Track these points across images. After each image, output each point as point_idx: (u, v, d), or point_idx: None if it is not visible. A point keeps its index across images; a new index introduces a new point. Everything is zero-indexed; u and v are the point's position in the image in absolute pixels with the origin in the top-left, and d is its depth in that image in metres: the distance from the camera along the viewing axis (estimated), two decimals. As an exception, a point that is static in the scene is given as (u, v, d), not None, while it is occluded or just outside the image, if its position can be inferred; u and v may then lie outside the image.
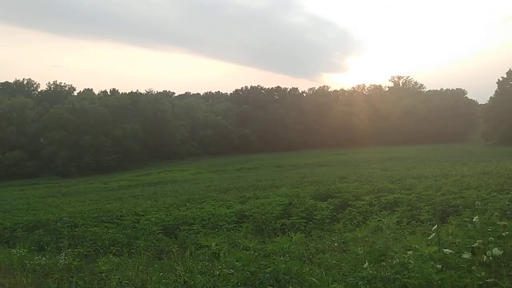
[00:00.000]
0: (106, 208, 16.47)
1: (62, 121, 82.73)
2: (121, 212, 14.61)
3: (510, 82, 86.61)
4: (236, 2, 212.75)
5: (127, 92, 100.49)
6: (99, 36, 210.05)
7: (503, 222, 3.62)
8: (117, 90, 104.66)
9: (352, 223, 10.14)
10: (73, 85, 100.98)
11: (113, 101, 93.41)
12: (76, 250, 8.30)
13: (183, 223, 11.10)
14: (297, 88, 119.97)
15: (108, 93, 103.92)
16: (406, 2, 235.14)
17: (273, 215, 11.13)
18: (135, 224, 11.63)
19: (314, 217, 11.08)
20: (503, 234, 3.61)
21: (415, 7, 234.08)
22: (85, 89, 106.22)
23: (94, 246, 9.37)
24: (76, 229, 11.38)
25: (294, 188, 19.47)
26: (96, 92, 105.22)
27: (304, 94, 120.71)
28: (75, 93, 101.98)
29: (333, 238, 7.82)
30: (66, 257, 7.02)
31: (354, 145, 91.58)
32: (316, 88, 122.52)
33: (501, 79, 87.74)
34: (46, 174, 74.48)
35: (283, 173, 42.35)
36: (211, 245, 5.25)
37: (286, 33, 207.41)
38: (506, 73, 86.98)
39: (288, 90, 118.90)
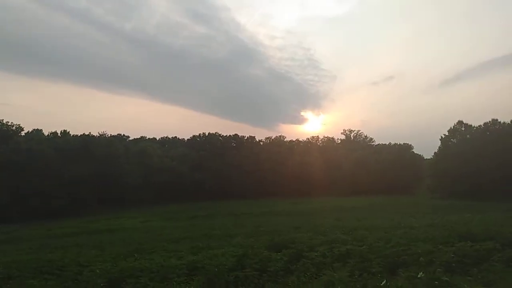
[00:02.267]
0: (47, 257, 15.30)
1: (5, 162, 77.71)
2: (63, 262, 13.63)
3: (452, 140, 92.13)
4: (200, 52, 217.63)
5: (79, 135, 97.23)
6: (56, 78, 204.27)
7: (446, 278, 3.79)
8: (68, 132, 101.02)
9: (305, 275, 10.10)
10: (21, 125, 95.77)
11: (63, 143, 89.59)
12: (8, 306, 7.60)
13: (130, 275, 10.52)
14: (254, 137, 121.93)
15: (59, 134, 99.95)
16: (355, 63, 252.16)
17: (226, 266, 10.85)
18: (78, 276, 10.89)
19: (268, 269, 10.93)
20: (447, 289, 3.77)
21: (364, 67, 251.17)
22: (34, 129, 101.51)
23: (29, 301, 8.61)
24: (10, 282, 10.43)
25: (249, 237, 19.23)
26: (46, 133, 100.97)
27: (261, 143, 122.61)
28: (23, 133, 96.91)
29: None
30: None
31: (308, 194, 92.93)
32: (273, 138, 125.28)
33: (443, 136, 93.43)
34: (-17, 218, 68.31)
35: (238, 221, 41.82)
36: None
37: (245, 84, 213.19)
38: (448, 131, 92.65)
39: (246, 138, 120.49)
